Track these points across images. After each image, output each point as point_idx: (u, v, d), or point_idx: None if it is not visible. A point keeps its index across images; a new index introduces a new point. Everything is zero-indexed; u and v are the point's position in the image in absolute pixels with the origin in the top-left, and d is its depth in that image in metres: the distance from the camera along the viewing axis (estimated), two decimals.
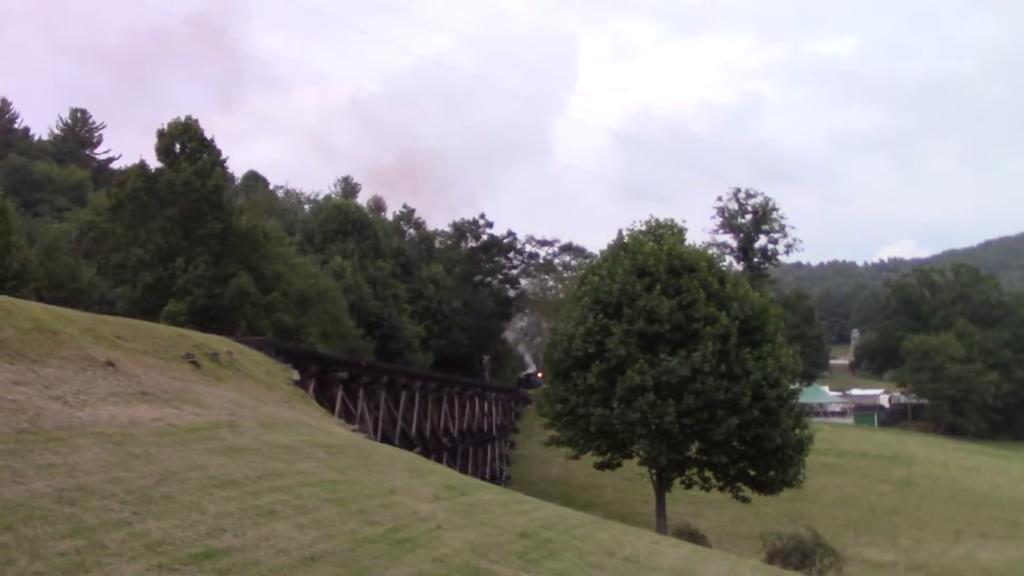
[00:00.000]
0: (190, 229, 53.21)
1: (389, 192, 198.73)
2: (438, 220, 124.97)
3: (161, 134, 55.61)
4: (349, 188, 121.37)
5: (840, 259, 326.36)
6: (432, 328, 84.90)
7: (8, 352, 15.76)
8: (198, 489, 11.43)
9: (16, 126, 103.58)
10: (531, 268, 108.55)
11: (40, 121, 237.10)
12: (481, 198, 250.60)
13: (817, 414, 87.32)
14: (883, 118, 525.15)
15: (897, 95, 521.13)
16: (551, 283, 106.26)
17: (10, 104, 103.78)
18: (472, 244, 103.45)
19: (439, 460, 43.91)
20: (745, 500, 38.95)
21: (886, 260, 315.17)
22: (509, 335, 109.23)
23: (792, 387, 37.68)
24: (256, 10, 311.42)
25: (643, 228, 41.32)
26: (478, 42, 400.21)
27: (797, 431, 37.16)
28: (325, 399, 37.79)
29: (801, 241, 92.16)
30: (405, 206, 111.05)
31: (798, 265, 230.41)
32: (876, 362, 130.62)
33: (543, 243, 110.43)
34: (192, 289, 50.69)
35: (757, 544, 38.41)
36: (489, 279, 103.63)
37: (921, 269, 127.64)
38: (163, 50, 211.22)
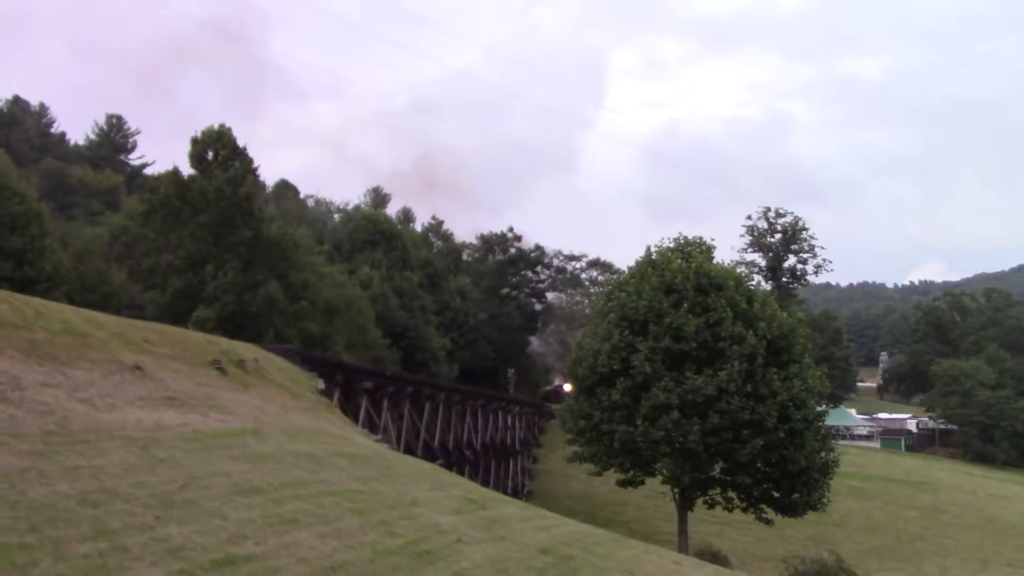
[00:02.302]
0: (221, 236, 53.59)
1: (416, 202, 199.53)
2: (464, 232, 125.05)
3: (195, 141, 56.11)
4: (379, 198, 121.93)
5: (870, 280, 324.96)
6: (458, 340, 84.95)
7: (38, 354, 15.92)
8: (221, 495, 11.48)
9: (53, 131, 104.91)
10: (558, 282, 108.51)
11: (75, 126, 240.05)
12: (508, 211, 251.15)
13: (843, 437, 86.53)
14: (912, 139, 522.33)
15: (926, 116, 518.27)
16: (578, 298, 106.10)
17: (47, 109, 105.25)
18: (500, 257, 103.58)
19: (461, 473, 43.87)
20: (768, 522, 38.57)
21: (916, 282, 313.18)
22: (536, 346, 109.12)
23: (818, 409, 37.27)
24: (285, 21, 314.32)
25: (671, 245, 41.13)
26: (507, 55, 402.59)
27: (823, 454, 36.78)
28: (349, 408, 37.86)
29: (830, 262, 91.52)
30: (434, 218, 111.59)
31: (827, 286, 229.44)
32: (904, 386, 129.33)
33: (570, 258, 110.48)
34: (221, 295, 51.01)
35: (780, 567, 38.13)
36: (516, 292, 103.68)
37: (952, 292, 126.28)
38: (190, 58, 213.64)
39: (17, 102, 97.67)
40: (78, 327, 19.01)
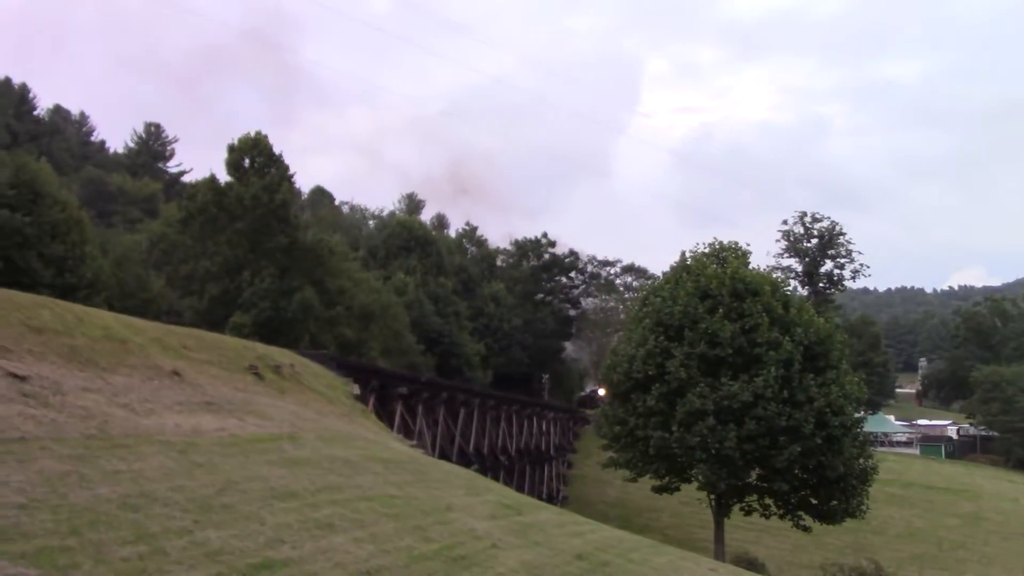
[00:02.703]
0: (257, 242, 54.04)
1: (449, 208, 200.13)
2: (497, 236, 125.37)
3: (231, 149, 56.65)
4: (413, 205, 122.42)
5: (908, 285, 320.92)
6: (492, 346, 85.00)
7: (79, 359, 16.14)
8: (258, 500, 11.56)
9: (93, 139, 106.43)
10: (592, 288, 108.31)
11: (115, 135, 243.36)
12: (541, 216, 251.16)
13: (882, 444, 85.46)
14: (950, 142, 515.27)
15: (964, 118, 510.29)
16: (612, 303, 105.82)
17: (87, 118, 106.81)
18: (534, 263, 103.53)
19: (496, 478, 43.86)
20: (806, 529, 38.24)
21: (956, 287, 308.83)
22: (571, 351, 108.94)
23: (856, 415, 36.92)
24: (319, 29, 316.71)
25: (706, 250, 40.91)
26: (541, 61, 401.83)
27: (861, 460, 36.43)
28: (384, 414, 37.99)
29: (868, 266, 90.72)
30: (468, 223, 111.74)
31: (865, 291, 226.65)
32: (944, 392, 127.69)
33: (605, 263, 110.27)
34: (257, 302, 51.42)
35: (817, 574, 37.75)
36: (550, 298, 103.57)
37: (992, 298, 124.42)
38: (226, 67, 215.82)
39: (58, 111, 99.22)
40: (118, 333, 19.25)
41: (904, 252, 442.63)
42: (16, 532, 7.93)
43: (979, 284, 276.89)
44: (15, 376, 13.14)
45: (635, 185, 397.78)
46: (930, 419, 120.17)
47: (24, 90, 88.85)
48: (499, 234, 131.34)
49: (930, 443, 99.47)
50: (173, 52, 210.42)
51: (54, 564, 7.43)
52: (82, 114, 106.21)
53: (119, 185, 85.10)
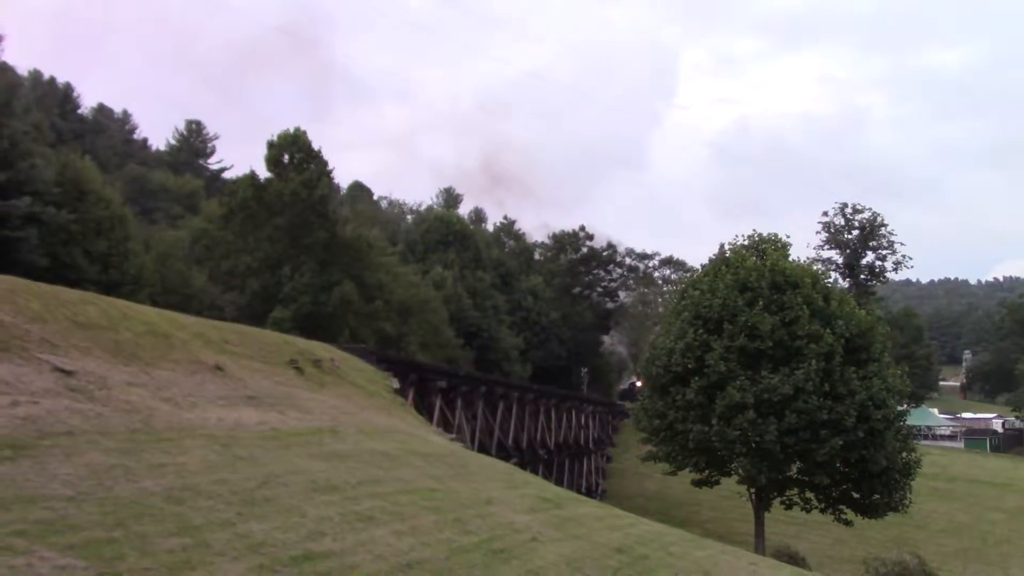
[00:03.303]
0: (297, 238, 54.47)
1: (487, 202, 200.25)
2: (532, 227, 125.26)
3: (271, 145, 57.12)
4: (451, 199, 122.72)
5: (952, 277, 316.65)
6: (530, 339, 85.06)
7: (124, 354, 16.38)
8: (300, 493, 11.67)
9: (135, 137, 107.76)
10: (630, 281, 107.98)
11: (157, 132, 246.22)
12: (578, 209, 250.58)
13: (925, 437, 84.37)
14: (994, 131, 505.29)
15: (1008, 107, 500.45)
16: (650, 296, 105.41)
17: (130, 116, 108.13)
18: (572, 256, 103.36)
19: (535, 472, 43.93)
20: (848, 523, 37.88)
21: (1001, 279, 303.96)
22: (609, 344, 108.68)
23: (899, 408, 36.46)
24: (355, 26, 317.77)
25: (745, 242, 40.54)
26: (577, 54, 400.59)
27: (904, 454, 36.00)
28: (424, 407, 38.17)
29: (910, 258, 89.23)
30: (505, 217, 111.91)
31: (907, 283, 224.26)
32: (989, 385, 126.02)
33: (643, 256, 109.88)
34: (297, 296, 51.85)
35: (859, 569, 37.33)
36: (588, 292, 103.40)
37: None
38: (263, 63, 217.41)
39: (101, 110, 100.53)
40: (161, 328, 19.50)
41: (947, 243, 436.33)
42: (64, 524, 8.07)
43: None
44: (62, 371, 13.37)
45: (673, 177, 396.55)
46: (975, 412, 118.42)
47: (68, 89, 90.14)
48: (534, 225, 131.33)
49: (974, 436, 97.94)
50: (209, 49, 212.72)
51: (100, 556, 7.56)
52: (125, 112, 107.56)
53: (161, 182, 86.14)
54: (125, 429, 12.11)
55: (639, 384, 66.71)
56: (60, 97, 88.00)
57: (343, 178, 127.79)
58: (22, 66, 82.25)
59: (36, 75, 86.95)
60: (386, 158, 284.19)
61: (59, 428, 11.02)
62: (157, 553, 7.98)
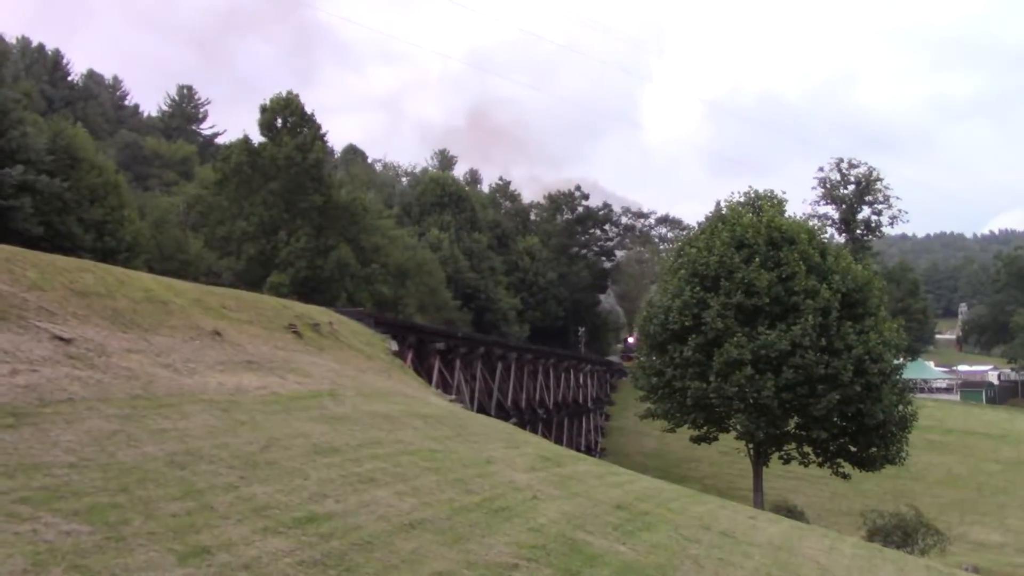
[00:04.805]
0: (292, 202, 54.35)
1: (482, 162, 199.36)
2: (523, 183, 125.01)
3: (264, 109, 56.84)
4: (445, 161, 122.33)
5: (947, 231, 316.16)
6: (528, 300, 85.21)
7: (122, 321, 16.38)
8: (301, 456, 11.74)
9: (127, 103, 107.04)
10: (627, 240, 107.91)
11: (148, 98, 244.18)
12: (573, 167, 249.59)
13: (922, 390, 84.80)
14: (989, 83, 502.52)
15: (1003, 59, 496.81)
16: (647, 255, 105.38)
17: (121, 82, 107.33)
18: (568, 216, 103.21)
19: (534, 431, 44.20)
20: (845, 477, 38.20)
21: (996, 232, 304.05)
22: (606, 304, 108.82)
23: (896, 362, 36.61)
24: None
25: (741, 199, 40.46)
26: (569, 11, 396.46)
27: (900, 407, 36.16)
28: (422, 369, 38.28)
29: (906, 212, 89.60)
30: (501, 178, 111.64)
31: (903, 237, 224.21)
32: (985, 337, 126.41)
33: (639, 215, 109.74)
34: (294, 261, 51.86)
35: (857, 521, 37.72)
36: (584, 251, 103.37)
37: None
38: (248, 26, 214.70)
39: (91, 76, 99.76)
40: (159, 295, 19.49)
41: (943, 197, 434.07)
42: (68, 490, 8.12)
43: (1020, 228, 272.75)
44: (61, 339, 13.38)
45: (666, 134, 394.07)
46: (970, 365, 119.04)
47: (57, 56, 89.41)
48: (524, 179, 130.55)
49: (970, 389, 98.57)
50: (194, 11, 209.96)
51: (105, 520, 7.61)
52: (115, 78, 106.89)
53: (154, 148, 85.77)
54: (125, 395, 12.15)
55: (631, 340, 66.84)
56: (50, 64, 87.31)
57: (340, 142, 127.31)
58: (10, 33, 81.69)
59: (24, 42, 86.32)
60: (375, 119, 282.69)
61: (59, 396, 11.04)
62: (161, 517, 8.04)
